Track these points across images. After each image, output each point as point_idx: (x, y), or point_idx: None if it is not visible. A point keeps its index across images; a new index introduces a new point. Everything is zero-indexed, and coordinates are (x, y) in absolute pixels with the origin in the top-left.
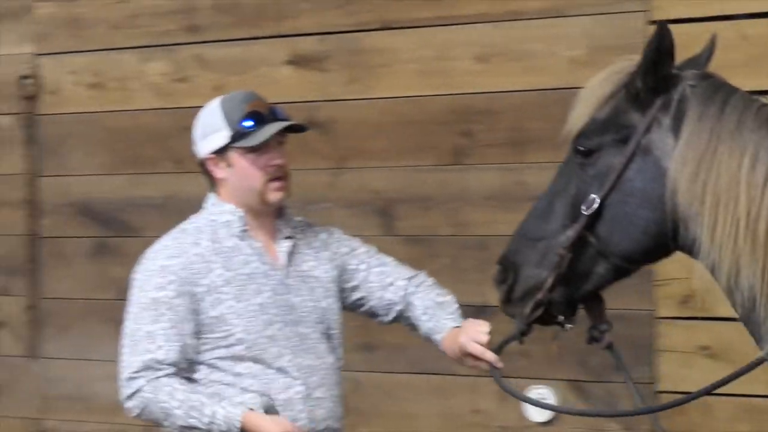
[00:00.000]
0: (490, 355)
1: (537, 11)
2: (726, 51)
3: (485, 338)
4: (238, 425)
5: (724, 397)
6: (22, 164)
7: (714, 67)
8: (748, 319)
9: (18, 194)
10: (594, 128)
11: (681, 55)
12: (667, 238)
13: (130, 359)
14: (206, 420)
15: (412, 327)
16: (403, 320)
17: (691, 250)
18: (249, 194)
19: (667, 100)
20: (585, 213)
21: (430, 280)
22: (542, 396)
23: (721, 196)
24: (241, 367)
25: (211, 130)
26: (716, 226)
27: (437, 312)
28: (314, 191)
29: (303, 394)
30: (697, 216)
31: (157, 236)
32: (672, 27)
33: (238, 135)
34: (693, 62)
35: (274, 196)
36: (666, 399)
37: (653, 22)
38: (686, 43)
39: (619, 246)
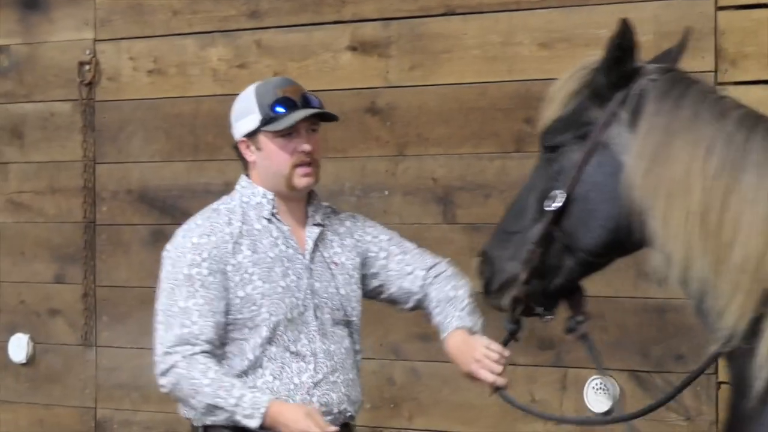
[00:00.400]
0: (501, 381)
1: None
2: None
3: (498, 368)
4: (263, 410)
5: None
6: (80, 151)
7: None
8: (699, 310)
9: (76, 181)
10: (558, 125)
11: (750, 42)
12: (626, 232)
13: (165, 335)
14: (232, 401)
15: (430, 318)
16: (423, 310)
17: (649, 244)
18: (276, 178)
19: (626, 95)
20: (548, 209)
21: (450, 270)
22: (602, 386)
23: (674, 189)
24: (260, 349)
25: (244, 113)
26: (669, 219)
27: (447, 308)
28: (374, 178)
29: (316, 379)
30: (652, 209)
31: None
32: (739, 12)
33: (267, 119)
34: (666, 56)
35: (300, 182)
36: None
37: (721, 8)
38: (754, 28)
39: (583, 241)
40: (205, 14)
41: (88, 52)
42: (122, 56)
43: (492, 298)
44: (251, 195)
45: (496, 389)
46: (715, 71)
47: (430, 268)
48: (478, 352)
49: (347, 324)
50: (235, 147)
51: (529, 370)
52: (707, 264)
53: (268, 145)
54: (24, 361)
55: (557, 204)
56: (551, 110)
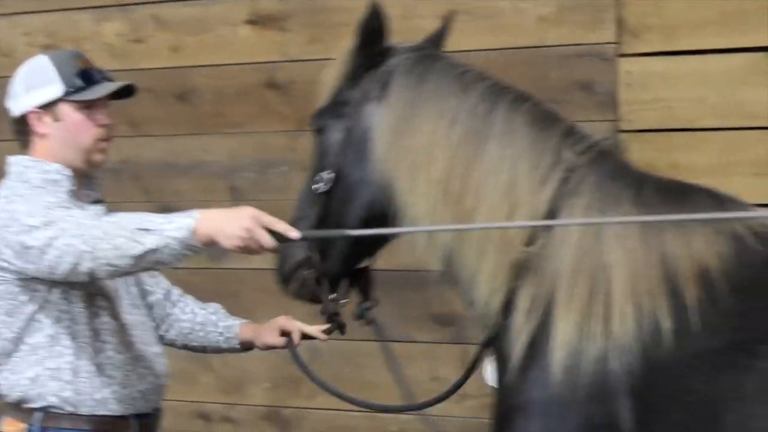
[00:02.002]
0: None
1: None
2: (699, 9)
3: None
4: (195, 217)
5: None
6: None
7: (687, 24)
8: (447, 275)
9: None
10: (322, 109)
11: (652, 14)
12: (382, 207)
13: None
14: (160, 220)
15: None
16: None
17: (400, 216)
18: (74, 152)
19: (378, 74)
20: (318, 192)
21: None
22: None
23: (418, 159)
24: (96, 318)
25: (39, 83)
26: (414, 188)
27: (216, 320)
28: (273, 154)
29: (143, 348)
30: (398, 180)
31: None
32: None
33: (74, 89)
34: (432, 39)
35: (98, 157)
36: None
37: None
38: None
39: (348, 220)
40: None
41: None
42: (16, 31)
43: (282, 286)
44: (42, 171)
45: (287, 346)
46: (617, 43)
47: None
48: (276, 324)
49: (143, 297)
50: (20, 119)
51: (429, 347)
52: (441, 212)
53: (72, 116)
54: None
55: (324, 186)
56: (321, 96)
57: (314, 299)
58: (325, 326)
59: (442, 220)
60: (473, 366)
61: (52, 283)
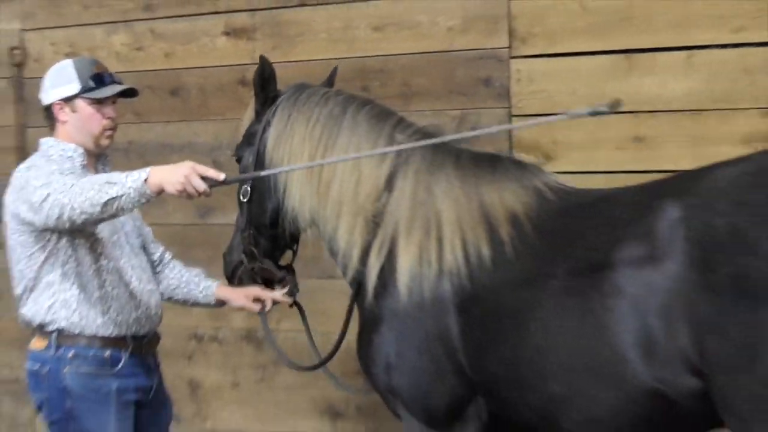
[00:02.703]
0: (267, 307)
1: None
2: (573, 20)
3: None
4: (147, 172)
5: None
6: (13, 117)
7: (563, 32)
8: (329, 250)
9: (10, 142)
10: (239, 143)
11: (537, 24)
12: (278, 200)
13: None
14: (122, 176)
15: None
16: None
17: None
18: (87, 137)
19: (272, 108)
20: (243, 201)
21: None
22: None
23: (292, 154)
24: (98, 262)
25: (62, 81)
26: (292, 177)
27: (196, 280)
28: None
29: (138, 286)
30: (280, 175)
31: None
32: (530, 2)
33: (87, 88)
34: (324, 83)
35: (105, 141)
36: None
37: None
38: (540, 13)
39: (261, 220)
40: (109, 8)
41: (17, 39)
42: (44, 42)
43: (230, 282)
44: (64, 152)
45: (260, 312)
46: (510, 47)
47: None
48: (252, 292)
49: (144, 248)
50: (47, 108)
51: None
52: (315, 199)
53: (85, 109)
54: None
55: (245, 197)
56: (239, 134)
57: (265, 282)
58: (285, 290)
59: (308, 194)
60: (350, 312)
61: (58, 233)
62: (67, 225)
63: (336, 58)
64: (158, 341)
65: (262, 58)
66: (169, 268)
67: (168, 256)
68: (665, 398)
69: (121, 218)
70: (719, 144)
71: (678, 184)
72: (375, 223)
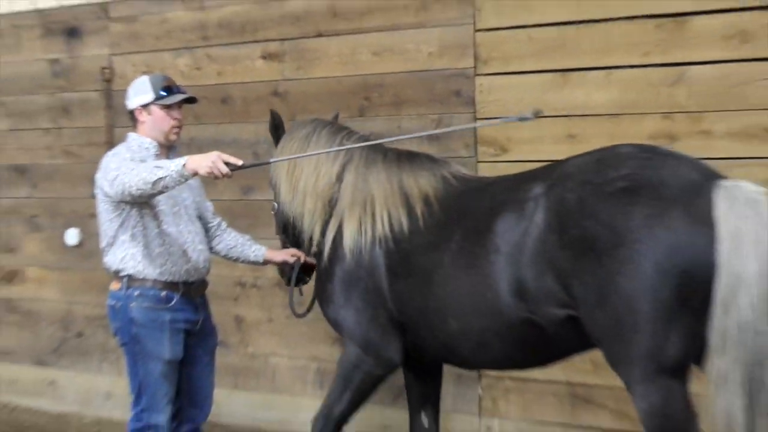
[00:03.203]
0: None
1: (411, 24)
2: (521, 47)
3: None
4: (186, 160)
5: None
6: (104, 120)
7: (515, 56)
8: (298, 223)
9: (101, 138)
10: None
11: (496, 50)
12: (286, 211)
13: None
14: (168, 163)
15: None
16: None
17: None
18: (159, 133)
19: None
20: (274, 212)
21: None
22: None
23: (283, 164)
24: (160, 227)
25: (141, 92)
26: (280, 181)
27: (249, 243)
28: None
29: (196, 238)
30: (280, 184)
31: None
32: (489, 33)
33: (158, 96)
34: (333, 118)
35: (173, 137)
36: None
37: (478, 30)
38: (498, 41)
39: (281, 229)
40: (176, 38)
41: (106, 61)
42: (127, 63)
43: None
44: (142, 144)
45: (293, 264)
46: (475, 67)
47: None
48: (290, 250)
49: (199, 218)
50: (131, 112)
51: None
52: (290, 195)
53: (157, 113)
54: (76, 243)
55: (274, 210)
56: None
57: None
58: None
59: (286, 191)
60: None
61: (130, 205)
62: (128, 198)
63: (345, 76)
64: (205, 287)
65: (272, 112)
66: (226, 233)
67: (224, 225)
68: (537, 325)
69: (183, 195)
70: (631, 140)
71: (542, 171)
72: (330, 206)
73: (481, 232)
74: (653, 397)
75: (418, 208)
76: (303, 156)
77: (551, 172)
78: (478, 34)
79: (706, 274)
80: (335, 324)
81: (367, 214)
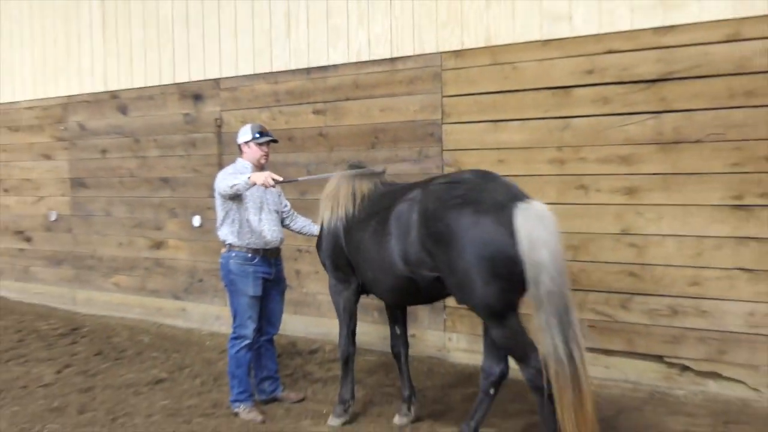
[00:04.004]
0: None
1: (403, 92)
2: (470, 107)
3: None
4: (249, 175)
5: None
6: (216, 151)
7: (466, 113)
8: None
9: (214, 161)
10: None
11: (459, 108)
12: (329, 228)
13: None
14: (241, 176)
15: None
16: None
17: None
18: (254, 159)
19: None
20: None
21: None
22: None
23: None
24: (257, 215)
25: (245, 133)
26: (324, 208)
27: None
28: (313, 160)
29: (272, 223)
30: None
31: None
32: (453, 98)
33: (254, 137)
34: (360, 165)
35: (262, 161)
36: None
37: (445, 96)
38: (459, 104)
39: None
40: (261, 100)
41: (218, 115)
42: (231, 116)
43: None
44: (244, 165)
45: None
46: (442, 118)
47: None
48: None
49: (277, 212)
50: (239, 145)
51: None
52: (338, 214)
53: (253, 147)
54: (198, 225)
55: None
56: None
57: None
58: None
59: (325, 212)
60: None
61: (230, 200)
62: (223, 195)
63: (362, 123)
64: (278, 252)
65: (348, 162)
66: (297, 218)
67: (295, 213)
68: (416, 281)
69: (267, 196)
70: (536, 165)
71: (423, 181)
72: (331, 207)
73: (385, 219)
74: (494, 330)
75: (358, 202)
76: (309, 178)
77: (427, 182)
78: (444, 98)
79: (507, 258)
80: (323, 263)
81: (337, 205)
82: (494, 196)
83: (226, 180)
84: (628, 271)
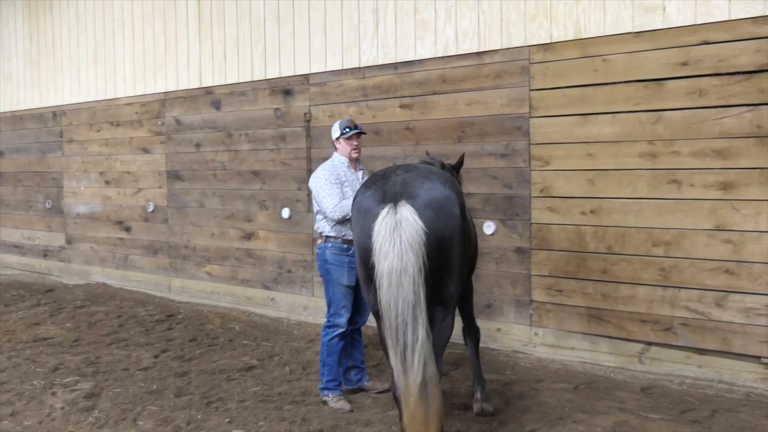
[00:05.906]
0: None
1: (491, 86)
2: (557, 100)
3: None
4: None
5: None
6: (305, 144)
7: (555, 106)
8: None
9: (303, 155)
10: None
11: (545, 101)
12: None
13: (329, 201)
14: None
15: None
16: None
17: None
18: (346, 154)
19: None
20: None
21: None
22: None
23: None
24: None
25: (336, 129)
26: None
27: None
28: (399, 153)
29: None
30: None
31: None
32: (539, 91)
33: (343, 132)
34: (459, 161)
35: (354, 155)
36: None
37: (532, 90)
38: (545, 96)
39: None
40: (348, 95)
41: (308, 109)
42: (319, 111)
43: None
44: (340, 160)
45: None
46: (530, 112)
47: None
48: None
49: None
50: (333, 141)
51: None
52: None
53: (343, 142)
54: (287, 217)
55: None
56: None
57: None
58: None
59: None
60: None
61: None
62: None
63: (449, 117)
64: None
65: (462, 154)
66: None
67: None
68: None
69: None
70: (625, 158)
71: (404, 166)
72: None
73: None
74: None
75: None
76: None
77: (406, 167)
78: (532, 92)
79: (372, 261)
80: None
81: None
82: (367, 201)
83: (327, 200)
84: (724, 268)
